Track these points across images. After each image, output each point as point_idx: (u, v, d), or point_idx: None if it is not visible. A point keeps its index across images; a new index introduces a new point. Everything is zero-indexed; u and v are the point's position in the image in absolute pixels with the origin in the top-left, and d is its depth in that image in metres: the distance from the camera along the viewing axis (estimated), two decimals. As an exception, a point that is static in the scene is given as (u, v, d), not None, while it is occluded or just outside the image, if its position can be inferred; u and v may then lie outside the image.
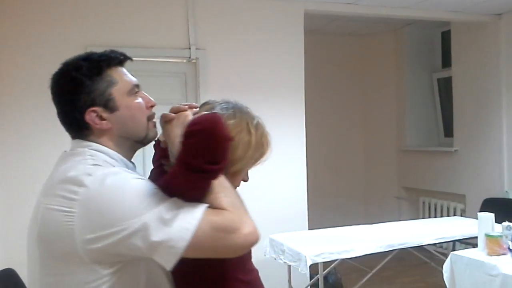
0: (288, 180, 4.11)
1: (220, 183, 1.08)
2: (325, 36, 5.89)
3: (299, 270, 3.06)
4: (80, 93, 1.17)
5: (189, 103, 1.24)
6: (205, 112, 1.14)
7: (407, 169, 5.97)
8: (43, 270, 1.13)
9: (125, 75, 1.24)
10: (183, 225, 1.00)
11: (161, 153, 1.28)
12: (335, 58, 6.14)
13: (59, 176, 1.11)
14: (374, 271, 3.52)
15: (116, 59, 1.22)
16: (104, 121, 1.18)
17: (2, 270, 2.44)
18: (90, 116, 1.17)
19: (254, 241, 1.06)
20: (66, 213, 1.05)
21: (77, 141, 1.21)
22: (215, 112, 1.11)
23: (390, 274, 4.62)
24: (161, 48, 3.75)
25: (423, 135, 5.95)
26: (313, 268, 3.11)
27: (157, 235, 0.99)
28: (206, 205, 1.04)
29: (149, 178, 1.25)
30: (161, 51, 3.76)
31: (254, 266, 1.30)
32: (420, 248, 3.58)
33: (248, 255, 1.26)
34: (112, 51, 1.23)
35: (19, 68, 3.29)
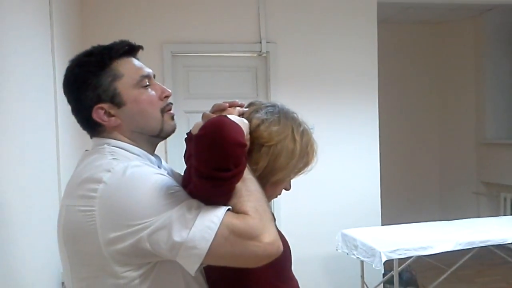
0: (361, 174, 4.03)
1: (246, 188, 1.01)
2: (398, 25, 5.70)
3: (373, 266, 2.99)
4: (85, 90, 1.11)
5: (232, 101, 1.14)
6: (214, 115, 1.06)
7: (487, 163, 5.66)
8: (74, 274, 1.09)
9: (133, 66, 1.16)
10: (206, 224, 0.95)
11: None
12: (408, 48, 5.93)
13: (78, 176, 1.07)
14: (452, 269, 3.37)
15: (121, 49, 1.15)
16: (112, 118, 1.12)
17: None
18: (97, 113, 1.12)
19: (274, 253, 0.98)
20: (87, 213, 1.00)
21: (95, 139, 1.16)
22: (224, 116, 1.01)
23: (469, 273, 4.42)
24: (233, 43, 3.80)
25: (505, 127, 5.62)
26: (387, 264, 3.03)
27: (179, 235, 0.94)
28: (228, 207, 0.98)
29: (183, 176, 1.18)
30: (232, 46, 3.80)
31: (294, 275, 1.25)
32: (501, 246, 3.38)
33: (289, 263, 1.21)
34: (119, 42, 1.17)
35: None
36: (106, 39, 4.32)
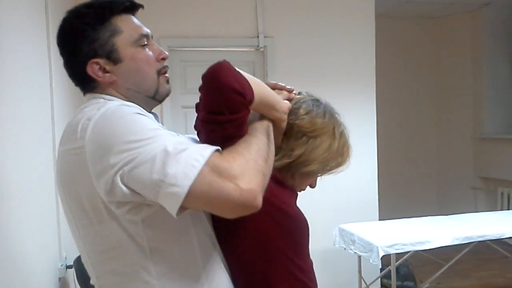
0: (358, 169, 4.02)
1: (247, 141, 1.01)
2: (396, 19, 5.68)
3: (371, 261, 3.00)
4: (82, 43, 1.07)
5: (286, 87, 1.20)
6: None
7: (484, 157, 5.66)
8: (77, 222, 1.06)
9: (133, 23, 1.12)
10: (190, 162, 0.91)
11: None
12: (406, 43, 5.92)
13: (70, 123, 1.04)
14: (449, 264, 3.38)
15: (122, 5, 1.10)
16: (107, 74, 1.08)
17: (78, 257, 2.57)
18: (92, 68, 1.07)
19: (250, 202, 0.92)
20: (78, 151, 0.98)
21: (89, 95, 1.12)
22: (222, 61, 1.02)
23: (466, 268, 4.43)
24: (230, 37, 3.78)
25: (502, 121, 5.62)
26: (384, 259, 3.04)
27: (160, 172, 0.90)
28: (217, 148, 0.96)
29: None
30: (229, 40, 3.79)
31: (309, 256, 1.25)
32: (499, 241, 3.39)
33: (305, 241, 1.20)
34: None
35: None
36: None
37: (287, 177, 1.18)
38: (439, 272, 3.44)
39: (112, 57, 1.08)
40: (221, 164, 0.92)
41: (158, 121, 1.14)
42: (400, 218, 3.69)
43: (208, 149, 0.94)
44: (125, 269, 1.04)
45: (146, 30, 1.14)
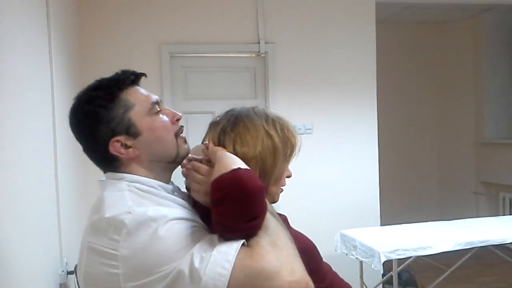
0: (359, 174, 4.03)
1: (264, 225, 0.96)
2: (396, 25, 5.69)
3: (372, 266, 2.99)
4: (99, 125, 1.08)
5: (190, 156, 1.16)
6: (224, 172, 0.98)
7: (486, 162, 5.66)
8: None
9: (142, 94, 1.13)
10: (218, 271, 0.89)
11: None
12: (407, 48, 5.93)
13: (101, 213, 1.02)
14: (451, 269, 3.37)
15: (127, 79, 1.12)
16: (130, 149, 1.09)
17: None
18: (114, 147, 1.09)
19: None
20: (110, 256, 0.96)
21: (110, 174, 1.13)
22: (235, 169, 0.97)
23: (468, 273, 4.41)
24: (231, 43, 3.79)
25: (504, 126, 5.62)
26: (386, 264, 3.03)
27: (190, 285, 0.88)
28: (241, 242, 0.92)
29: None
30: (230, 46, 3.80)
31: (326, 265, 1.23)
32: (501, 246, 3.38)
33: (318, 256, 1.19)
34: (123, 72, 1.14)
35: (99, 69, 3.45)
36: (103, 40, 4.35)
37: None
38: (441, 278, 3.42)
39: (131, 131, 1.09)
40: (254, 266, 0.88)
41: (176, 191, 1.16)
42: (401, 223, 3.68)
43: (232, 251, 0.90)
44: None
45: (155, 97, 1.15)
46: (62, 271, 2.32)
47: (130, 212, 0.98)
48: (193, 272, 0.89)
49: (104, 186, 1.11)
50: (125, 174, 1.10)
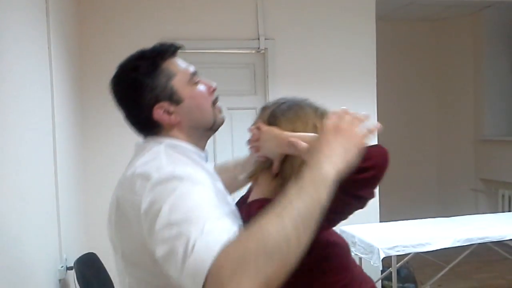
0: (358, 171, 4.02)
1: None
2: (396, 22, 5.69)
3: (371, 262, 3.00)
4: (143, 92, 1.15)
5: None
6: (373, 144, 1.09)
7: (485, 160, 5.66)
8: (126, 269, 1.12)
9: (181, 65, 1.22)
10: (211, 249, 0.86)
11: None
12: (407, 45, 5.92)
13: (133, 170, 1.07)
14: (450, 266, 3.38)
15: (169, 51, 1.20)
16: (172, 115, 1.16)
17: (85, 254, 2.58)
18: (158, 113, 1.15)
19: None
20: (135, 207, 1.01)
21: (151, 138, 1.18)
22: (380, 145, 1.10)
23: (466, 270, 4.42)
24: (231, 39, 3.78)
25: (503, 123, 5.62)
26: (385, 261, 3.04)
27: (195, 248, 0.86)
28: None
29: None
30: (230, 42, 3.79)
31: (353, 266, 1.31)
32: (499, 243, 3.39)
33: (350, 257, 1.29)
34: (162, 44, 1.20)
35: (99, 65, 3.45)
36: (103, 36, 4.33)
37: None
38: (440, 274, 3.43)
39: (174, 98, 1.16)
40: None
41: (207, 159, 1.22)
42: (401, 220, 3.69)
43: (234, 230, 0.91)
44: None
45: (193, 67, 1.23)
46: (62, 266, 2.32)
47: (159, 169, 1.03)
48: (196, 242, 0.87)
49: (142, 147, 1.16)
50: (165, 138, 1.16)
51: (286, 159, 1.19)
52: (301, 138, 1.09)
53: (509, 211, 5.22)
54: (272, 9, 3.83)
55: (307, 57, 3.90)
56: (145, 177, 1.02)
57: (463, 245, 3.12)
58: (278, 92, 3.78)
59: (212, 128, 1.23)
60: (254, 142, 1.24)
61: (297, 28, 3.88)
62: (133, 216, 1.03)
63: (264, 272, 0.81)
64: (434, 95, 6.08)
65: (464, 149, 5.86)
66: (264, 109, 1.27)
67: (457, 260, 3.34)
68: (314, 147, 1.02)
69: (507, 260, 3.94)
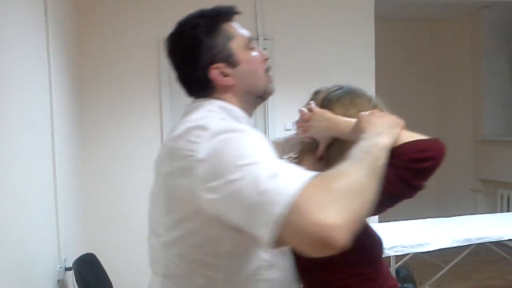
0: (357, 171, 4.03)
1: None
2: (395, 22, 5.69)
3: (370, 263, 2.99)
4: (201, 50, 1.13)
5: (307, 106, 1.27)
6: (426, 138, 1.22)
7: (484, 160, 5.66)
8: (168, 223, 1.07)
9: (239, 29, 1.21)
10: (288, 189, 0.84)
11: None
12: (406, 45, 5.92)
13: (186, 123, 1.04)
14: (449, 266, 3.38)
15: (229, 13, 1.21)
16: (227, 77, 1.15)
17: (84, 255, 2.58)
18: (214, 73, 1.14)
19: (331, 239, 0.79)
20: (189, 157, 0.96)
21: (202, 99, 1.16)
22: (438, 138, 1.19)
23: (465, 270, 4.42)
24: (229, 39, 3.78)
25: (502, 124, 5.62)
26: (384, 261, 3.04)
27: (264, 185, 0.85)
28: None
29: None
30: (229, 42, 3.79)
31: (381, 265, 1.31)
32: (498, 243, 3.39)
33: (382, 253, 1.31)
34: (221, 6, 1.21)
35: (98, 65, 3.45)
36: (102, 35, 4.33)
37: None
38: (439, 274, 3.43)
39: (231, 60, 1.15)
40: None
41: (252, 124, 1.18)
42: (399, 220, 3.69)
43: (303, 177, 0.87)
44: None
45: (249, 33, 1.23)
46: (60, 267, 2.32)
47: (215, 123, 1.01)
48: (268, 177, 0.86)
49: (194, 106, 1.14)
50: (216, 100, 1.15)
51: (333, 142, 1.20)
52: (348, 123, 1.16)
53: (508, 211, 5.22)
54: (271, 9, 3.83)
55: (306, 57, 3.91)
56: (202, 127, 0.99)
57: (462, 245, 3.12)
58: (277, 91, 3.75)
59: (262, 96, 1.22)
60: (304, 123, 1.24)
61: (296, 28, 3.89)
62: (185, 164, 0.97)
63: (352, 208, 0.83)
64: (432, 95, 6.08)
65: (463, 149, 5.86)
66: (317, 92, 1.31)
67: (456, 260, 3.34)
68: (361, 128, 1.11)
69: (506, 260, 3.94)
